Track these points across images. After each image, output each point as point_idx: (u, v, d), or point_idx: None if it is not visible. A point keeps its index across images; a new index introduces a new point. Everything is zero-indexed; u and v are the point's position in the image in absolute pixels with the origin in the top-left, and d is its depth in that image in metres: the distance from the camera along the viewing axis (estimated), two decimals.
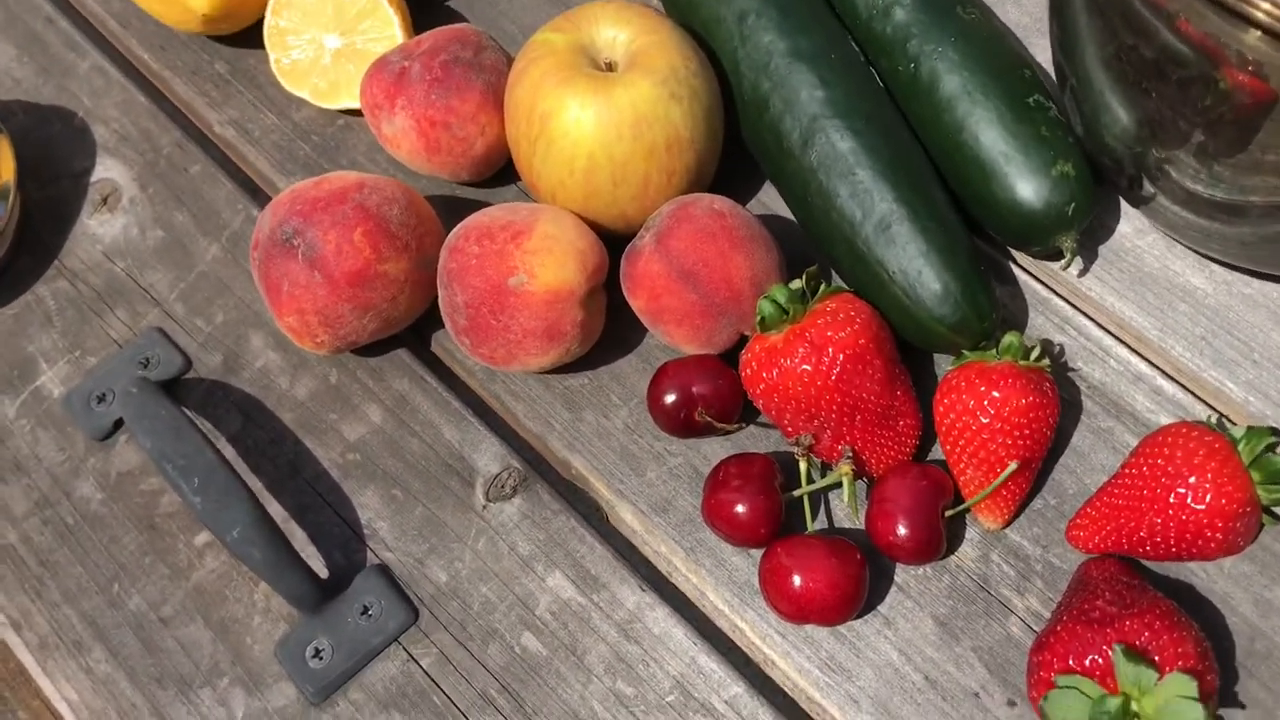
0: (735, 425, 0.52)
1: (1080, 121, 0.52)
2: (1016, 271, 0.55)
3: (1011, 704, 0.47)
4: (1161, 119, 0.45)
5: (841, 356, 0.48)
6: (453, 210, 0.58)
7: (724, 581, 0.51)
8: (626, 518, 0.53)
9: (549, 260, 0.50)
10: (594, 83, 0.51)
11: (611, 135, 0.51)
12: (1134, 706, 0.42)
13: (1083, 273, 0.55)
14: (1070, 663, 0.43)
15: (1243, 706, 0.46)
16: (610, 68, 0.53)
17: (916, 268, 0.49)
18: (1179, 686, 0.41)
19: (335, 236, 0.51)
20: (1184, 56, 0.42)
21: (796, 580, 0.47)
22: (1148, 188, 0.50)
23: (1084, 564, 0.48)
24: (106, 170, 0.64)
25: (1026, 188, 0.51)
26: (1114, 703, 0.41)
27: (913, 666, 0.48)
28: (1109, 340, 0.53)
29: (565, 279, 0.50)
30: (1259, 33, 0.40)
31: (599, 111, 0.51)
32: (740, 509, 0.49)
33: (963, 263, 0.50)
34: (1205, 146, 0.46)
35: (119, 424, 0.57)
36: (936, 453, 0.51)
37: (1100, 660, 0.43)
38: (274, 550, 0.49)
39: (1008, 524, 0.50)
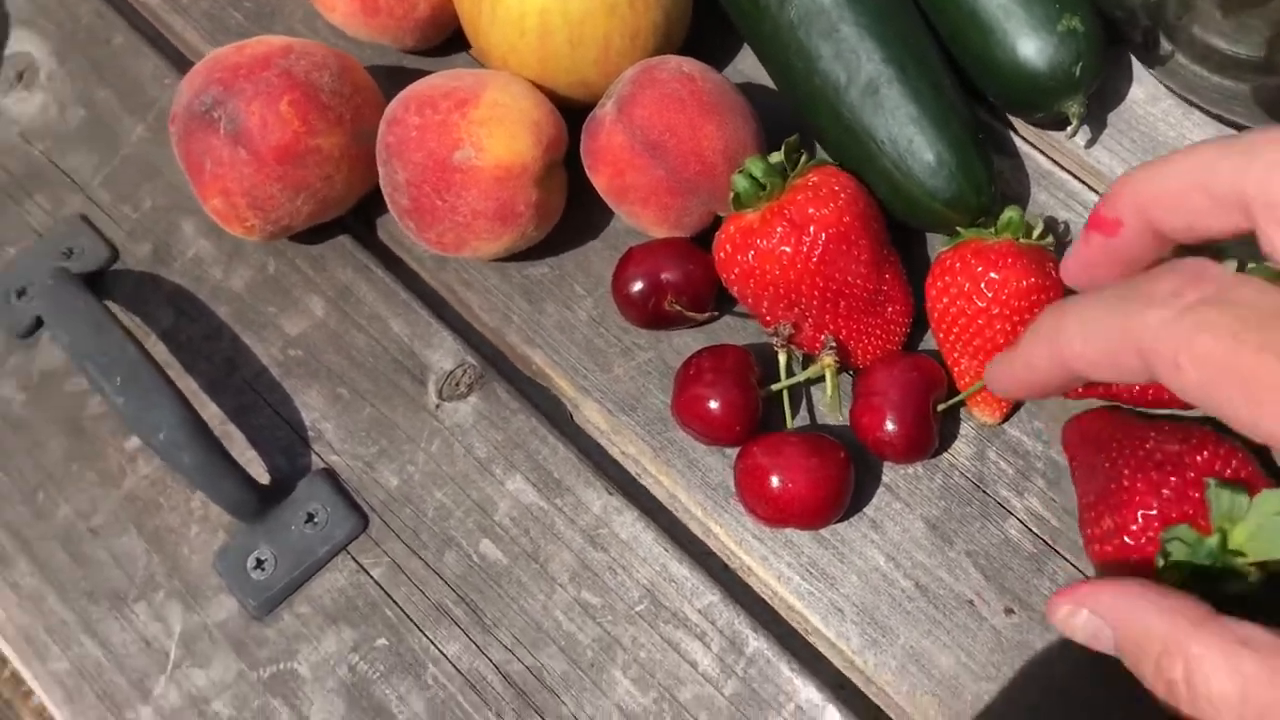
0: (708, 315, 0.48)
1: None
2: (1018, 142, 0.50)
3: (1009, 612, 0.44)
4: None
5: (824, 236, 0.43)
6: (397, 82, 0.52)
7: (696, 484, 0.47)
8: (592, 416, 0.49)
9: (498, 131, 0.45)
10: None
11: None
12: (1228, 543, 0.37)
13: (1090, 143, 0.50)
14: (1155, 513, 0.39)
15: None
16: None
17: (907, 136, 0.44)
18: (1270, 504, 0.36)
19: (260, 107, 0.46)
20: None
21: (774, 481, 0.43)
22: (1165, 45, 0.45)
23: (1072, 422, 0.44)
24: (21, 43, 0.58)
25: (1029, 45, 0.45)
26: (1212, 543, 0.37)
27: (902, 572, 0.45)
28: None
29: (518, 152, 0.45)
30: None
31: None
32: (713, 405, 0.45)
33: (958, 130, 0.45)
34: None
35: (41, 320, 0.52)
36: (929, 342, 0.47)
37: (1180, 504, 0.38)
38: (205, 454, 0.45)
39: (1006, 418, 0.46)
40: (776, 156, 0.44)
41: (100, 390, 0.46)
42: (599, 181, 0.47)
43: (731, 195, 0.44)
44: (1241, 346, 0.26)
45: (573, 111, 0.49)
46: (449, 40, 0.54)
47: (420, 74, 0.54)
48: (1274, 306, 0.27)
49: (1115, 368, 0.30)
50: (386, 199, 0.48)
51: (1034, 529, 0.45)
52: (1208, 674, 0.27)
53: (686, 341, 0.49)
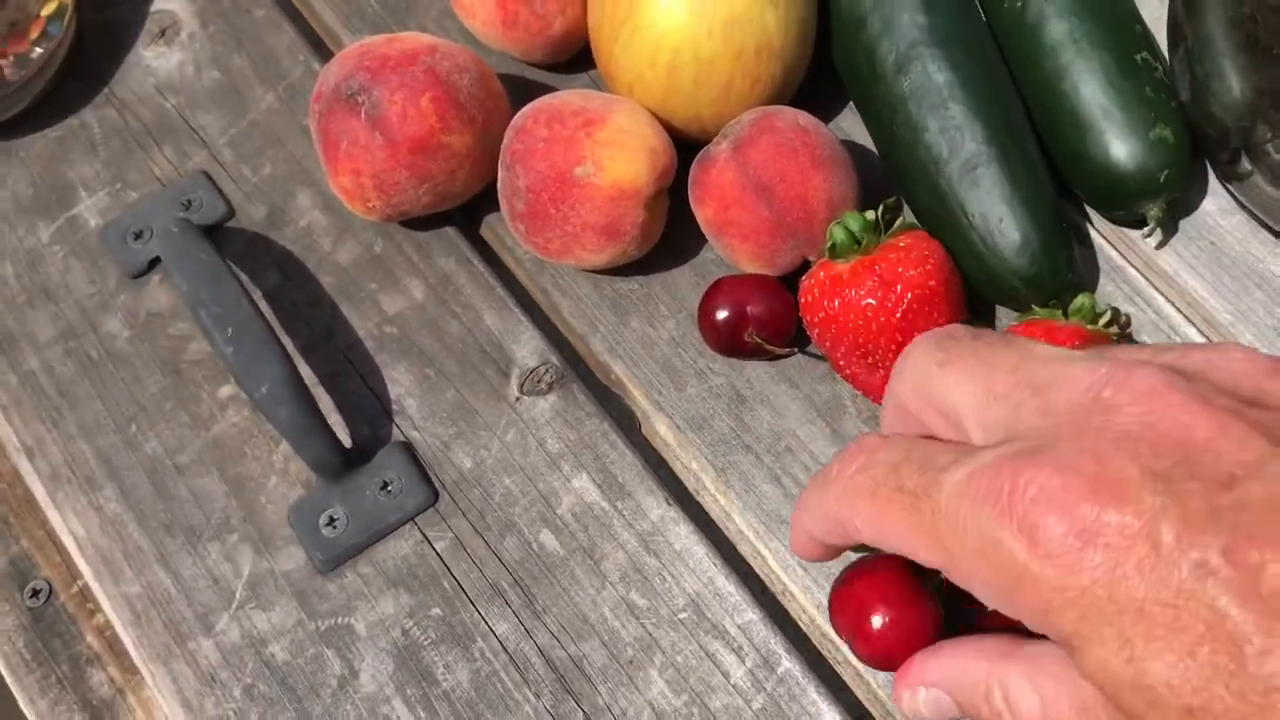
0: (785, 350, 0.51)
1: (1188, 86, 0.49)
2: (1093, 234, 0.54)
3: None
4: None
5: (909, 295, 0.46)
6: (520, 91, 0.56)
7: (752, 507, 0.50)
8: (660, 430, 0.52)
9: (619, 154, 0.48)
10: None
11: (701, 32, 0.49)
12: None
13: (1160, 245, 0.53)
14: None
15: None
16: None
17: (998, 214, 0.48)
18: None
19: (402, 99, 0.49)
20: None
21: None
22: (1245, 164, 0.48)
23: None
24: (167, 2, 0.62)
25: (1121, 148, 0.49)
26: None
27: None
28: (1178, 318, 0.52)
29: (634, 176, 0.49)
30: None
31: (692, 4, 0.48)
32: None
33: (1046, 215, 0.48)
34: None
35: (154, 263, 0.56)
36: None
37: None
38: (302, 411, 0.48)
39: None
40: (873, 214, 0.48)
41: (210, 338, 0.49)
42: (703, 213, 0.51)
43: (828, 244, 0.47)
44: (875, 499, 0.30)
45: (680, 144, 0.52)
46: (573, 59, 0.57)
47: (542, 87, 0.57)
48: (891, 459, 0.30)
49: (838, 538, 0.33)
50: (502, 200, 0.51)
51: None
52: (1018, 698, 0.29)
53: (759, 373, 0.52)
